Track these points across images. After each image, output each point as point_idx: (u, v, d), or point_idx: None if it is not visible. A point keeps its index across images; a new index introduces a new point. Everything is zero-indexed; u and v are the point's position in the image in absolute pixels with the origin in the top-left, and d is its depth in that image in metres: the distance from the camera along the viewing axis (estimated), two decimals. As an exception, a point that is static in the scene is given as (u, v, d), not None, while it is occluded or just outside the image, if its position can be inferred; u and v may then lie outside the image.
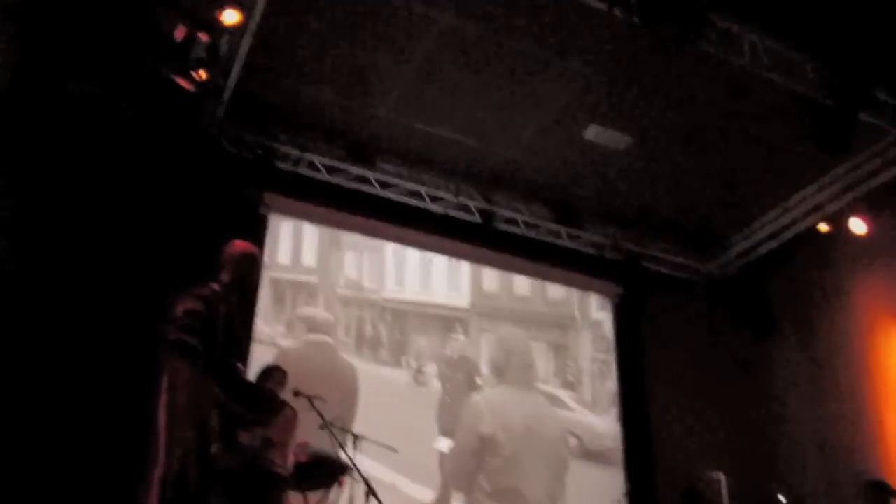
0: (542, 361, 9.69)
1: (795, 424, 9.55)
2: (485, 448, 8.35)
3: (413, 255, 9.51)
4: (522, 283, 10.03)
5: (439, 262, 9.58)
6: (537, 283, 10.09)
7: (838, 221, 8.66)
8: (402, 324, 9.12)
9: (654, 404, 9.66)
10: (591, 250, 9.84)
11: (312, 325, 8.41)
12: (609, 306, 10.22)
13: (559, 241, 9.63)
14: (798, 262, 9.74)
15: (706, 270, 10.29)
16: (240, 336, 4.88)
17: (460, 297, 9.57)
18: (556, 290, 10.16)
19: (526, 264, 9.70)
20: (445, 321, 9.37)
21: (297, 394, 5.68)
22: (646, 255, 9.99)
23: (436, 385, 8.95)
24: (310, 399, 5.50)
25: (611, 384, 9.84)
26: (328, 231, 9.02)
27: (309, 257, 8.93)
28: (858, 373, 8.81)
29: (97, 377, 6.56)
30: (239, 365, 5.32)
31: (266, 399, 5.47)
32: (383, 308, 9.06)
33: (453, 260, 9.64)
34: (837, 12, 6.70)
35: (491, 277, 9.84)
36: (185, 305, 4.46)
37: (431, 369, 9.05)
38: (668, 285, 10.23)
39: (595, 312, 10.25)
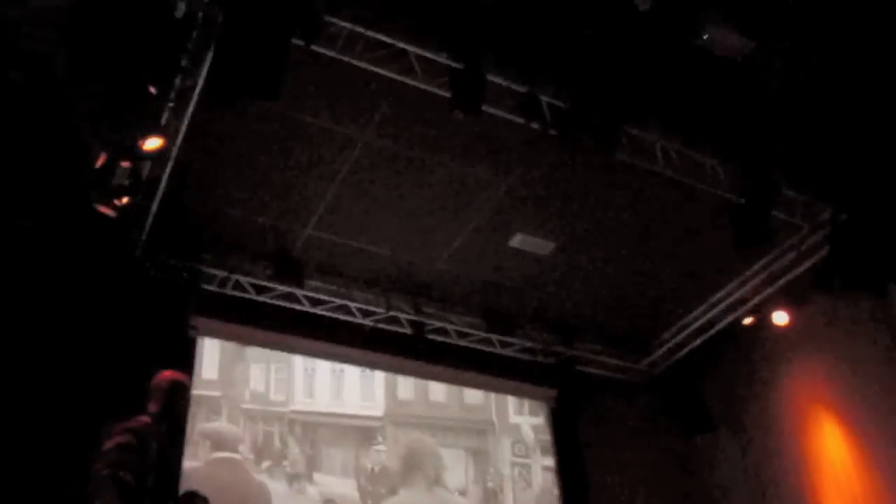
0: (461, 469, 9.44)
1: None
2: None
3: (323, 365, 9.23)
4: (438, 389, 9.83)
5: (351, 371, 9.32)
6: (454, 388, 9.91)
7: (762, 314, 8.85)
8: (313, 436, 8.76)
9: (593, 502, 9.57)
10: (523, 356, 9.84)
11: (218, 442, 8.07)
12: (526, 409, 10.16)
13: (491, 349, 9.63)
14: (727, 357, 9.89)
15: (639, 369, 10.37)
16: (171, 468, 4.72)
17: (375, 407, 9.30)
18: (472, 396, 9.99)
19: (459, 374, 9.63)
20: (360, 432, 9.08)
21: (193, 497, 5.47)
22: (579, 358, 10.03)
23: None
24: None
25: (533, 490, 9.65)
26: (230, 344, 8.69)
27: (209, 371, 8.52)
28: (794, 463, 8.87)
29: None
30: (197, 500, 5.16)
31: None
32: (292, 421, 8.72)
33: (366, 369, 9.41)
34: (746, 117, 7.03)
35: (406, 385, 9.61)
36: (116, 440, 4.35)
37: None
38: (603, 386, 10.25)
39: (513, 416, 10.09)
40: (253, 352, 8.84)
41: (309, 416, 8.86)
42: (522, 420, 10.08)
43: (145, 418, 4.58)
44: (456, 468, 9.40)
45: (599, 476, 9.77)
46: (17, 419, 6.66)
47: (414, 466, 9.08)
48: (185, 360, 7.96)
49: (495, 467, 9.61)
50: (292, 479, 8.49)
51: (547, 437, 10.01)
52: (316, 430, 8.80)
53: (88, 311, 7.40)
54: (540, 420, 10.11)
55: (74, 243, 7.39)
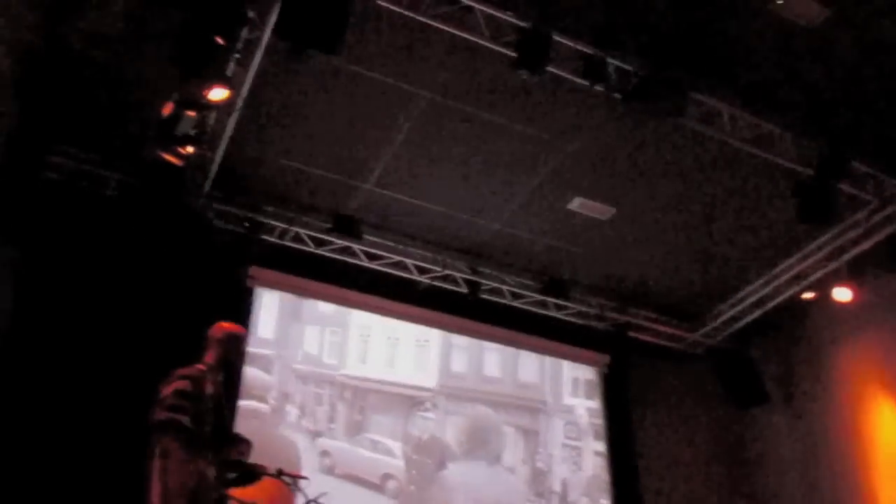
0: (511, 447, 9.39)
1: (787, 497, 9.45)
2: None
3: (378, 332, 9.22)
4: (492, 364, 9.79)
5: (406, 340, 9.31)
6: (508, 364, 9.83)
7: (823, 290, 8.69)
8: (362, 402, 8.79)
9: (644, 473, 9.56)
10: (577, 320, 9.82)
11: (246, 390, 7.98)
12: (581, 391, 10.10)
13: (546, 312, 9.62)
14: (784, 331, 9.79)
15: (693, 339, 10.28)
16: (225, 416, 4.83)
17: (427, 377, 9.31)
18: (527, 373, 9.91)
19: (511, 335, 9.66)
20: (411, 401, 9.05)
21: (280, 473, 5.59)
22: (632, 325, 9.98)
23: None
24: (294, 479, 5.41)
25: (583, 473, 9.58)
26: (289, 302, 8.80)
27: (265, 330, 8.60)
28: (848, 442, 8.78)
29: (89, 459, 6.51)
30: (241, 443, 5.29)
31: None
32: (343, 385, 8.77)
33: (421, 339, 9.39)
34: (815, 85, 6.86)
35: (460, 358, 9.57)
36: (174, 385, 4.47)
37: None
38: (656, 354, 10.21)
39: (567, 397, 10.02)
40: (309, 314, 8.92)
41: (360, 382, 8.89)
42: (577, 402, 10.04)
43: (201, 366, 4.68)
44: (506, 446, 9.39)
45: (648, 442, 9.78)
46: (79, 364, 6.90)
47: (477, 441, 9.05)
48: (243, 309, 8.12)
49: (545, 448, 9.58)
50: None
51: (601, 421, 9.94)
52: (366, 396, 8.85)
53: (150, 258, 7.58)
54: (594, 403, 10.05)
55: (136, 190, 7.56)
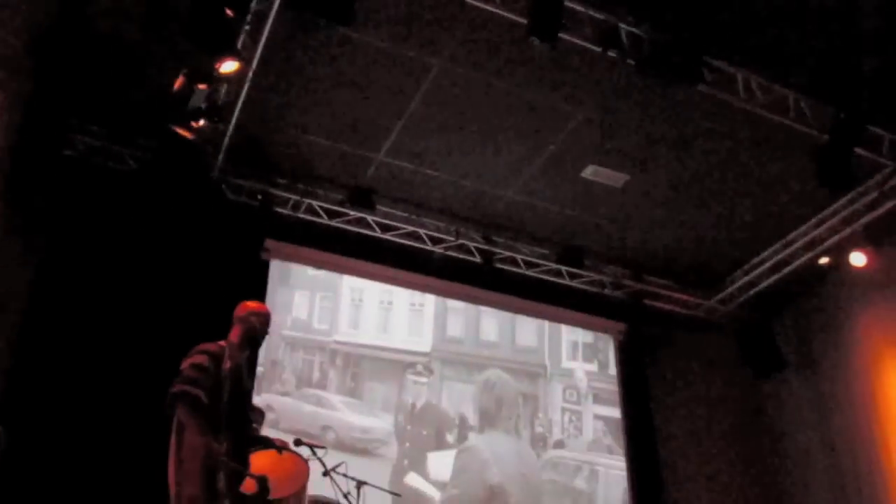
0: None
1: (807, 466, 9.48)
2: (493, 499, 8.22)
3: (371, 296, 9.05)
4: (489, 328, 9.61)
5: (399, 304, 9.16)
6: (506, 328, 9.67)
7: (839, 255, 8.64)
8: (355, 369, 8.61)
9: (661, 444, 9.59)
10: (593, 289, 9.81)
11: None
12: (580, 354, 10.06)
13: (560, 281, 9.62)
14: (800, 297, 9.77)
15: (709, 306, 10.26)
16: (246, 392, 4.89)
17: (421, 342, 9.11)
18: (525, 337, 9.75)
19: (527, 304, 9.67)
20: (405, 367, 8.85)
21: (298, 442, 5.63)
22: (648, 293, 9.97)
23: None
24: (312, 447, 5.46)
25: (584, 437, 9.51)
26: (277, 267, 8.55)
27: None
28: (866, 406, 8.78)
29: (110, 434, 6.60)
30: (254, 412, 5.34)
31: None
32: (334, 351, 8.57)
33: (416, 303, 9.24)
34: (831, 50, 6.78)
35: (455, 321, 9.40)
36: (191, 360, 4.55)
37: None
38: (672, 322, 10.20)
39: (566, 361, 9.90)
40: (297, 278, 8.77)
41: (352, 348, 8.70)
42: (576, 365, 9.93)
43: (223, 343, 4.74)
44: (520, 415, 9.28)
45: (666, 411, 9.79)
46: (99, 337, 6.97)
47: (500, 404, 8.95)
48: (259, 281, 8.16)
49: (545, 412, 9.47)
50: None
51: (600, 384, 9.87)
52: (359, 363, 8.69)
53: (167, 232, 7.63)
54: (593, 366, 9.98)
55: (150, 163, 7.59)
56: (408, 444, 8.44)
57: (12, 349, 6.65)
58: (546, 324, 9.95)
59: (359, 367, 8.68)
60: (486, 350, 9.55)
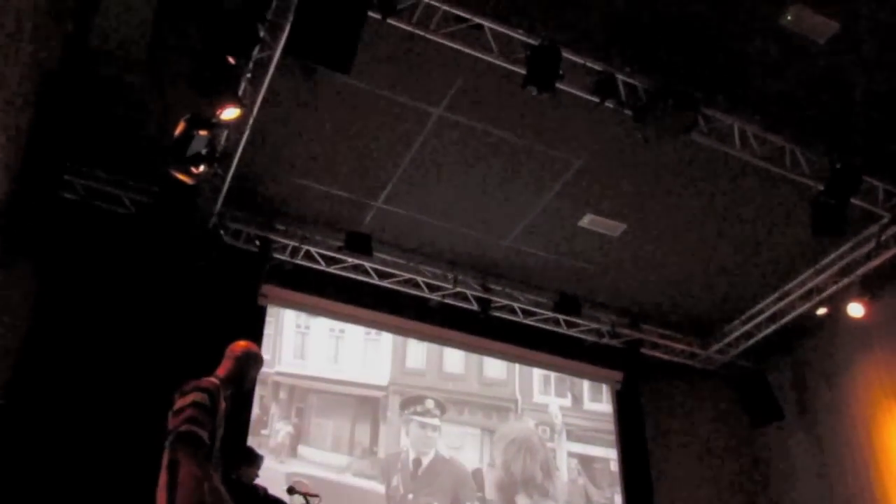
0: (476, 449, 8.69)
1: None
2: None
3: (319, 323, 8.48)
4: (454, 360, 9.05)
5: (353, 332, 8.56)
6: (472, 359, 9.22)
7: (836, 305, 8.66)
8: (300, 404, 7.96)
9: (657, 492, 9.51)
10: (589, 337, 9.78)
11: None
12: (552, 388, 9.77)
13: (557, 329, 9.60)
14: (798, 347, 9.78)
15: (706, 356, 10.23)
16: (232, 430, 4.83)
17: (378, 375, 8.52)
18: (494, 369, 9.21)
19: (523, 352, 9.63)
20: (359, 402, 8.20)
21: (291, 490, 5.60)
22: (645, 342, 9.94)
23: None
24: (305, 496, 5.42)
25: (560, 477, 9.15)
26: None
27: None
28: (864, 457, 8.73)
29: (102, 471, 6.56)
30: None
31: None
32: (276, 384, 7.94)
33: (371, 332, 8.68)
34: (827, 100, 6.86)
35: (417, 352, 8.81)
36: (192, 397, 4.44)
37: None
38: (669, 371, 10.18)
39: (538, 395, 9.46)
40: None
41: (298, 380, 8.10)
42: (549, 400, 9.49)
43: (213, 380, 4.67)
44: (469, 448, 8.68)
45: (663, 460, 9.72)
46: (94, 380, 6.95)
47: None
48: (256, 327, 8.14)
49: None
50: (272, 452, 7.44)
51: (574, 420, 9.54)
52: (305, 397, 8.13)
53: (164, 276, 7.64)
54: (567, 401, 9.61)
55: (148, 209, 7.62)
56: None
57: (7, 393, 6.61)
58: (515, 355, 9.56)
59: (304, 401, 8.10)
60: (451, 383, 9.05)
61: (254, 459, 5.91)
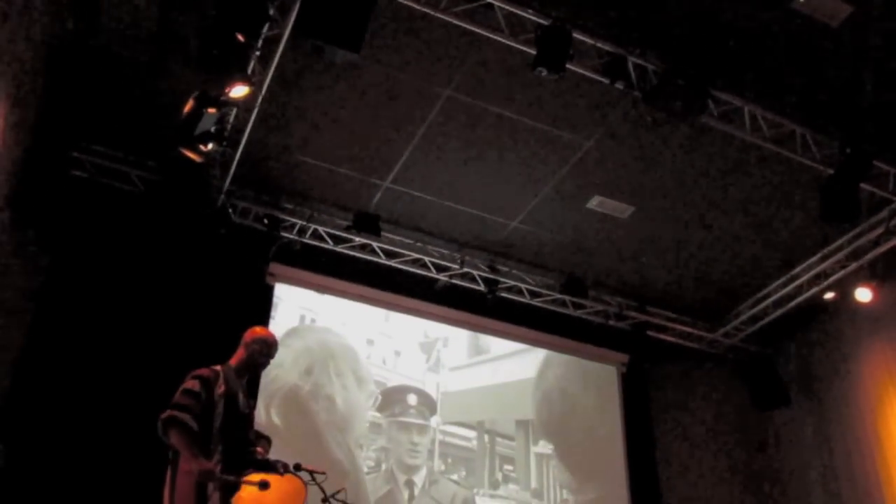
0: None
1: (808, 499, 9.40)
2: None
3: None
4: None
5: None
6: None
7: (844, 290, 8.64)
8: None
9: (662, 474, 9.54)
10: (596, 319, 9.79)
11: None
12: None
13: (564, 311, 9.60)
14: (805, 332, 9.76)
15: (712, 339, 10.23)
16: (243, 415, 4.88)
17: None
18: None
19: (529, 334, 9.65)
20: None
21: (298, 467, 5.61)
22: (652, 324, 9.94)
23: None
24: (311, 473, 5.43)
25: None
26: None
27: None
28: (869, 444, 8.71)
29: (110, 457, 6.61)
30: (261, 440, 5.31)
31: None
32: None
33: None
34: (838, 84, 6.82)
35: None
36: (184, 385, 4.62)
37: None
38: (676, 354, 10.17)
39: None
40: None
41: None
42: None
43: (217, 367, 4.77)
44: None
45: (667, 444, 9.75)
46: (101, 357, 6.99)
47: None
48: (263, 306, 8.17)
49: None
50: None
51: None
52: None
53: (172, 254, 7.66)
54: None
55: (157, 185, 7.63)
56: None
57: (15, 368, 6.65)
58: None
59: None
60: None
61: (258, 441, 5.93)
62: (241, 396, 4.81)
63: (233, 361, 4.90)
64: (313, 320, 8.73)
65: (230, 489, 4.42)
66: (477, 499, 8.61)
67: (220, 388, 4.63)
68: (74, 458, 6.53)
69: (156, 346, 7.08)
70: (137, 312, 7.34)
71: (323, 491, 5.37)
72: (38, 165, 6.73)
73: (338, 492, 5.52)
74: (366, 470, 8.12)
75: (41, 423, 6.56)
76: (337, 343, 8.69)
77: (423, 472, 8.42)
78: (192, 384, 4.56)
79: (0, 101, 5.45)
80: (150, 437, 4.54)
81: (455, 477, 8.64)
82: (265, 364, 5.09)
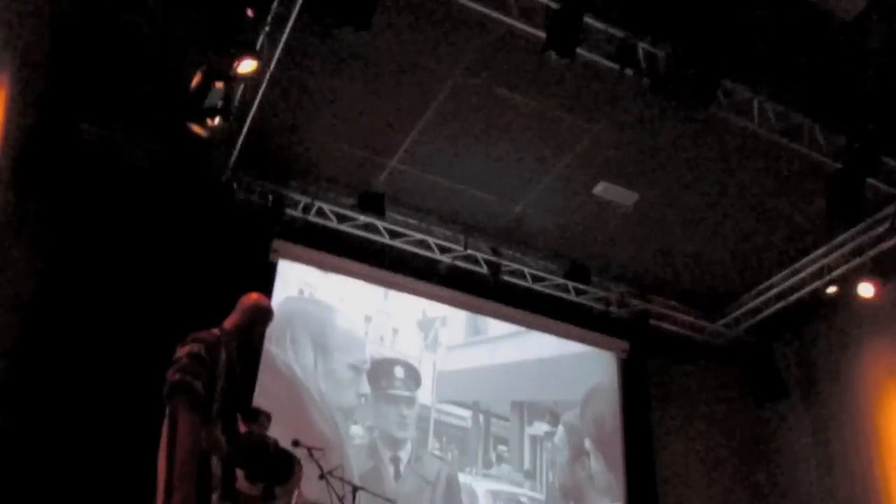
0: None
1: (804, 493, 9.43)
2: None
3: None
4: None
5: None
6: None
7: (846, 285, 8.62)
8: None
9: (659, 461, 9.57)
10: (598, 305, 9.79)
11: None
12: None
13: (566, 296, 9.61)
14: (806, 325, 9.75)
15: (713, 329, 10.23)
16: (239, 384, 4.83)
17: None
18: None
19: (531, 318, 9.66)
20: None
21: (296, 443, 5.65)
22: (653, 313, 9.95)
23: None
24: (309, 450, 5.48)
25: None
26: None
27: None
28: (867, 439, 8.73)
29: (106, 423, 6.63)
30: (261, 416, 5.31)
31: (281, 459, 5.39)
32: None
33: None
34: (847, 79, 6.78)
35: None
36: (187, 348, 4.44)
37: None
38: (676, 343, 10.18)
39: None
40: None
41: None
42: None
43: (216, 331, 4.66)
44: None
45: (665, 431, 9.77)
46: (103, 330, 7.00)
47: None
48: (266, 282, 8.17)
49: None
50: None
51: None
52: None
53: (177, 228, 7.66)
54: None
55: (161, 160, 7.62)
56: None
57: (17, 344, 6.65)
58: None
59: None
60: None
61: (258, 417, 5.95)
62: (235, 364, 4.76)
63: (227, 324, 4.79)
64: (311, 295, 8.74)
65: (231, 467, 4.40)
66: (469, 478, 8.66)
67: (222, 355, 4.56)
68: (77, 438, 6.55)
69: (158, 320, 7.07)
70: (140, 287, 7.34)
71: (320, 468, 5.42)
72: (42, 138, 6.71)
73: (335, 469, 5.56)
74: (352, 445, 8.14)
75: (43, 399, 6.57)
76: (299, 309, 8.63)
77: (409, 446, 8.45)
78: (197, 348, 4.40)
79: (6, 72, 5.43)
80: (152, 415, 4.49)
81: (439, 452, 8.68)
82: (261, 332, 5.01)
